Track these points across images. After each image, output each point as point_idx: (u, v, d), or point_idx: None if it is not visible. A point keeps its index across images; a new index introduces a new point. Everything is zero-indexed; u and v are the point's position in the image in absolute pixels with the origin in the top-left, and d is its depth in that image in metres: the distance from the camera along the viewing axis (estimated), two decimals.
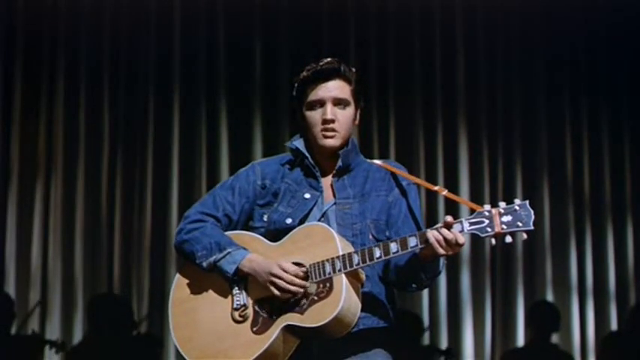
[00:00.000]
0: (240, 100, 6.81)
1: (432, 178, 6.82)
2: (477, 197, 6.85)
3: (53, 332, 6.48)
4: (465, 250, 6.67)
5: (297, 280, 3.05)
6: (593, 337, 6.78)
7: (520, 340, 6.74)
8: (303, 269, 3.08)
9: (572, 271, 6.84)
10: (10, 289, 6.49)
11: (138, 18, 6.77)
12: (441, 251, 3.00)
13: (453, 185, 6.85)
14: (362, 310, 3.08)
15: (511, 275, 6.80)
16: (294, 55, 6.79)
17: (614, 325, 6.77)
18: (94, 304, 6.42)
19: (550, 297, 6.78)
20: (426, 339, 6.65)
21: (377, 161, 3.35)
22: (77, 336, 6.52)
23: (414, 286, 3.19)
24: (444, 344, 6.64)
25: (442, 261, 3.14)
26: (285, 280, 3.05)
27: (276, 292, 3.06)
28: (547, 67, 7.01)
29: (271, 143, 6.73)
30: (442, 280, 6.69)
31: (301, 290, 3.05)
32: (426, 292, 6.70)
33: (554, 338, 6.32)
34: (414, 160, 6.89)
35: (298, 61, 6.48)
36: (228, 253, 3.14)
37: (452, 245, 3.00)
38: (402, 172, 3.31)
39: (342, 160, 3.24)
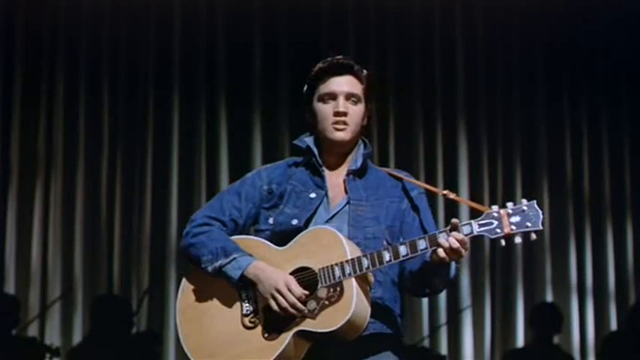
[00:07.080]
0: (240, 100, 6.81)
1: (431, 178, 6.82)
2: (476, 197, 6.84)
3: (53, 332, 6.48)
4: None
5: (299, 305, 3.04)
6: (593, 337, 6.78)
7: (520, 341, 6.74)
8: (307, 292, 3.06)
9: (572, 271, 6.84)
10: (10, 289, 6.49)
11: (138, 18, 6.76)
12: (444, 255, 2.98)
13: (452, 185, 6.84)
14: (372, 315, 3.07)
15: (511, 275, 6.80)
16: (294, 55, 6.78)
17: (614, 325, 6.78)
18: (94, 304, 6.42)
19: (550, 297, 6.78)
20: (425, 340, 6.65)
21: (384, 169, 3.35)
22: (77, 336, 6.51)
23: (427, 291, 3.20)
24: (444, 345, 6.65)
25: (454, 266, 3.12)
26: (287, 300, 3.04)
27: (274, 306, 3.06)
28: (547, 67, 7.01)
29: (271, 143, 6.73)
30: None
31: (298, 315, 3.03)
32: None
33: (555, 338, 6.32)
34: (414, 160, 6.89)
35: (298, 61, 6.54)
36: (234, 258, 3.12)
37: (457, 250, 2.98)
38: (411, 180, 3.30)
39: (361, 162, 3.24)
